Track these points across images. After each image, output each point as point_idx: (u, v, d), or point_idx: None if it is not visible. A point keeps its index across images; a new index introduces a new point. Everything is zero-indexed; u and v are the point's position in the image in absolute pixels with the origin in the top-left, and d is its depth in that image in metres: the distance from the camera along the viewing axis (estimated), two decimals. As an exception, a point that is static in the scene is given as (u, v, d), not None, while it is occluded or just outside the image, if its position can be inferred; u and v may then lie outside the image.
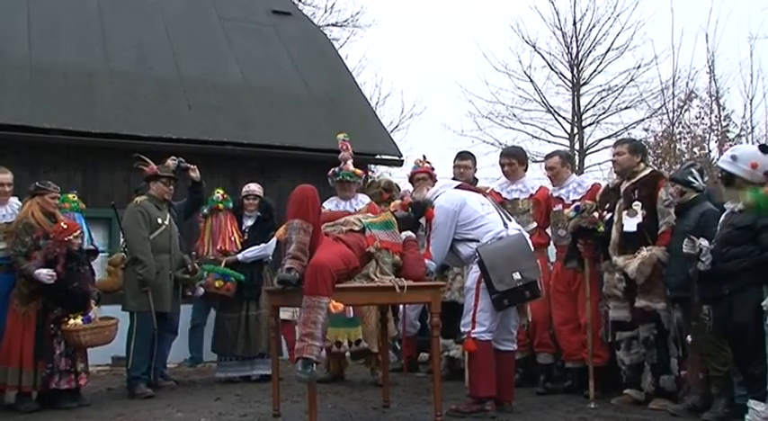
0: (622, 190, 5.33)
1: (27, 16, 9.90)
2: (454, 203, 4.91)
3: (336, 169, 6.28)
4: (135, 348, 5.94)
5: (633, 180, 5.30)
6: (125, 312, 6.09)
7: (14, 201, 5.80)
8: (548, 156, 6.16)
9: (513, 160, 6.14)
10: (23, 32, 9.61)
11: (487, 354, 4.77)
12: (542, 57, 18.78)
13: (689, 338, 4.77)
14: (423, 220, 4.91)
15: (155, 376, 6.18)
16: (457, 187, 5.22)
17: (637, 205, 5.18)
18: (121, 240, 6.72)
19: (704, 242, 4.39)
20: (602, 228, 5.21)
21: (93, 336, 5.44)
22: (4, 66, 9.01)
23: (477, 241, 4.82)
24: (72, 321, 5.38)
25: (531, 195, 6.03)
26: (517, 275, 4.66)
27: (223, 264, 6.50)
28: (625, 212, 5.21)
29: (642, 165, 5.42)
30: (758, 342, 4.16)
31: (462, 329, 4.88)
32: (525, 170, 6.24)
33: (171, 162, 6.46)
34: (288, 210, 4.39)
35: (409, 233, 4.77)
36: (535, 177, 6.75)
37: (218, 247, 6.57)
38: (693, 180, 4.97)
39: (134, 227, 6.04)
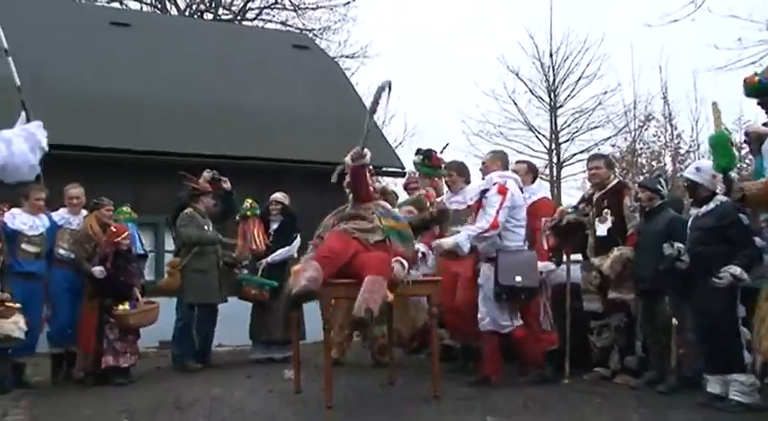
0: (594, 200, 5.40)
1: (83, 54, 10.10)
2: (519, 199, 5.18)
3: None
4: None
5: (603, 190, 5.37)
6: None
7: (85, 212, 6.18)
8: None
9: (452, 172, 5.90)
10: (82, 68, 9.81)
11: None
12: (524, 83, 18.84)
13: (674, 321, 4.82)
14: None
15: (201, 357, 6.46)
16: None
17: (606, 212, 5.29)
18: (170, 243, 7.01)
19: (680, 245, 4.53)
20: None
21: (138, 319, 5.80)
22: (68, 97, 9.17)
23: (506, 239, 5.09)
24: (121, 307, 5.70)
25: (469, 206, 5.59)
26: (518, 278, 4.92)
27: (259, 273, 6.62)
28: (597, 219, 5.32)
29: (612, 176, 5.53)
30: (732, 324, 4.29)
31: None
32: (466, 182, 5.88)
33: (206, 174, 6.67)
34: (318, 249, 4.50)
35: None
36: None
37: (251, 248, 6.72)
38: (661, 188, 5.12)
39: (186, 228, 6.41)
